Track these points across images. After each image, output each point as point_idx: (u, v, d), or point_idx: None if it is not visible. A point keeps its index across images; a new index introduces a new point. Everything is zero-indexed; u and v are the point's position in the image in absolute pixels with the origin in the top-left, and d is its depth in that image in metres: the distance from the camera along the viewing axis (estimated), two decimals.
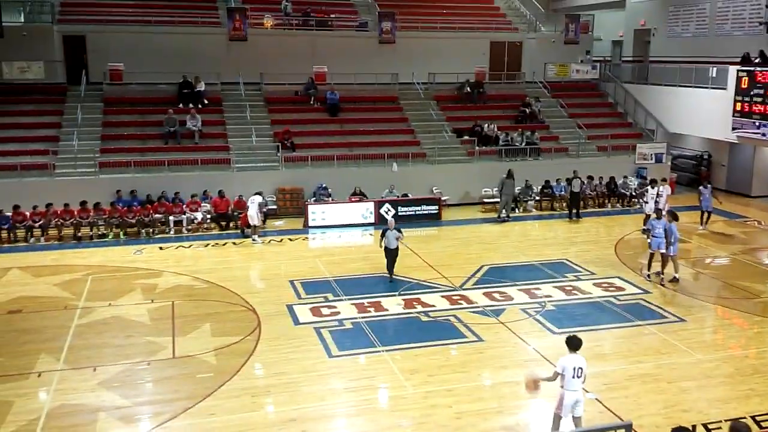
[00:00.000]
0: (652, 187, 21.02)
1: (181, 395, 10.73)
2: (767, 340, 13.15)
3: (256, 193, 20.33)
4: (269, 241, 20.12)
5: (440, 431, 9.67)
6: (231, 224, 21.28)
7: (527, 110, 27.86)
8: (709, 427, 9.73)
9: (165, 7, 27.62)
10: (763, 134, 22.80)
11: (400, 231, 16.34)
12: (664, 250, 15.86)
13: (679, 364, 11.95)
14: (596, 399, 10.43)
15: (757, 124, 23.00)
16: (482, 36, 30.03)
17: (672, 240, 15.81)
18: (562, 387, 8.87)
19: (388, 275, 16.36)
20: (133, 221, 20.48)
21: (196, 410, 10.28)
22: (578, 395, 8.84)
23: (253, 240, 19.84)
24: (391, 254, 16.32)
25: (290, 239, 20.41)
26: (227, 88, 26.40)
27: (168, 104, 24.70)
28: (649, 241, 16.46)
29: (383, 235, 16.26)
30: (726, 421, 9.50)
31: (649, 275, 16.50)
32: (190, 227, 20.96)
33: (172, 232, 20.76)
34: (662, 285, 15.96)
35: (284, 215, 22.63)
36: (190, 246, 19.67)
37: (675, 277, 16.18)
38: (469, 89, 28.35)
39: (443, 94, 28.39)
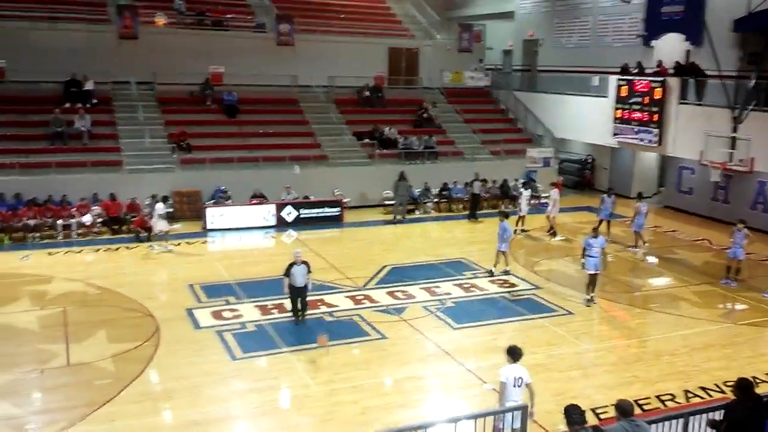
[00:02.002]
0: (525, 189, 22.16)
1: (78, 402, 10.32)
2: (648, 331, 14.24)
3: (163, 199, 20.04)
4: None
5: (345, 427, 9.82)
6: (124, 228, 20.55)
7: (424, 115, 28.58)
8: (597, 411, 10.42)
9: (50, 2, 26.10)
10: (641, 140, 24.58)
11: (308, 266, 13.71)
12: (598, 270, 15.35)
13: (567, 354, 12.73)
14: (493, 389, 10.90)
15: (635, 129, 24.75)
16: (380, 42, 30.51)
17: (506, 237, 16.99)
18: (505, 398, 8.66)
19: (294, 318, 13.86)
20: (19, 225, 19.33)
21: (94, 417, 9.93)
22: (518, 405, 8.58)
23: (161, 247, 19.19)
24: (299, 293, 13.61)
25: (188, 243, 19.91)
26: (118, 87, 25.42)
27: (54, 104, 23.45)
28: (583, 261, 15.44)
29: (288, 272, 13.53)
30: (611, 405, 10.17)
31: (591, 298, 15.46)
32: (80, 231, 20.03)
33: (60, 237, 19.75)
34: (589, 304, 15.40)
35: (181, 218, 22.02)
36: (80, 251, 18.81)
37: (506, 270, 17.29)
38: (368, 93, 28.75)
39: (343, 98, 28.61)
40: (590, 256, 15.14)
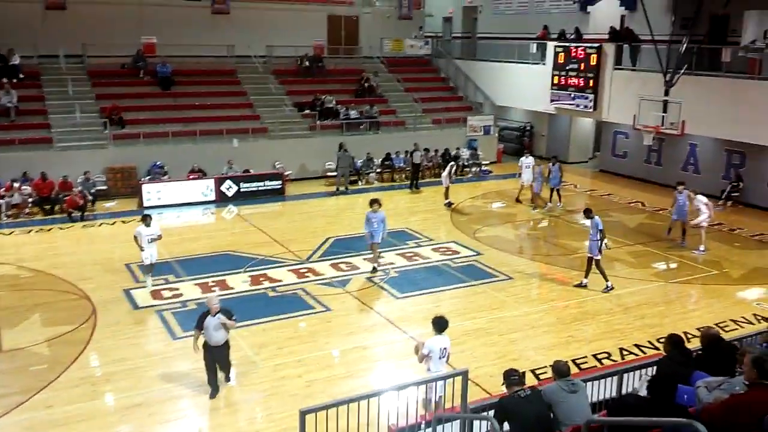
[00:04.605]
0: (455, 160, 22.02)
1: (13, 390, 10.01)
2: (585, 291, 14.53)
3: (145, 222, 13.97)
4: (100, 224, 19.01)
5: (290, 400, 9.80)
6: (56, 208, 19.86)
7: (366, 84, 28.37)
8: (537, 372, 10.70)
9: None
10: (578, 105, 25.02)
11: (231, 314, 9.98)
12: (590, 254, 14.28)
13: (508, 317, 13.01)
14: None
15: (572, 95, 25.17)
16: (319, 9, 30.00)
17: (382, 230, 15.00)
18: (428, 369, 8.63)
19: (211, 393, 10.00)
20: None
21: (30, 404, 9.68)
22: (443, 374, 8.38)
23: (150, 285, 14.11)
24: (216, 355, 9.91)
25: (123, 221, 19.33)
26: (46, 61, 24.33)
27: None
28: (598, 244, 14.20)
29: (199, 324, 9.82)
30: (550, 365, 10.48)
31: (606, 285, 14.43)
32: (9, 213, 19.25)
33: None
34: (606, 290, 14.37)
35: (115, 196, 21.44)
36: (11, 233, 18.10)
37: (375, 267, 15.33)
38: (308, 63, 28.32)
39: (282, 68, 28.12)
40: (593, 240, 14.17)
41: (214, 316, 9.74)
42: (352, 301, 13.77)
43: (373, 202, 15.33)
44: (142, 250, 13.66)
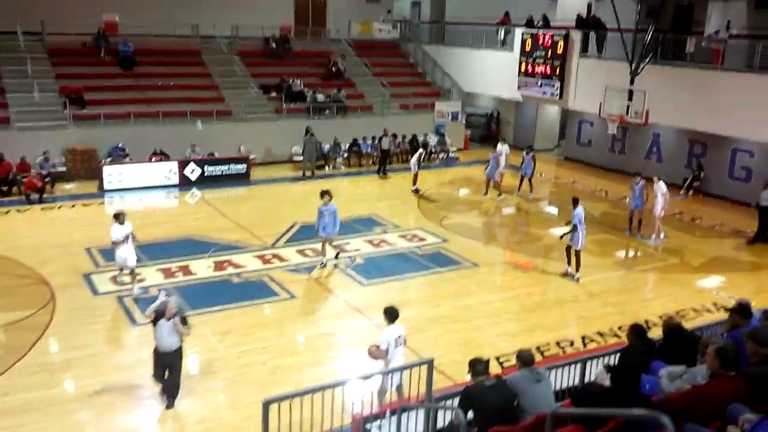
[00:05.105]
0: (423, 147, 21.86)
1: None
2: (549, 279, 14.69)
3: (119, 220, 12.89)
4: (59, 207, 18.54)
5: (255, 388, 9.71)
6: (14, 189, 19.29)
7: (333, 68, 28.09)
8: (500, 360, 10.77)
9: None
10: (544, 93, 25.12)
11: (185, 321, 9.22)
12: (570, 244, 14.36)
13: (472, 305, 13.06)
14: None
15: (539, 83, 25.25)
16: None
17: (334, 226, 14.51)
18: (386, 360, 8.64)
19: (167, 403, 9.29)
20: None
21: None
22: (400, 363, 8.62)
23: (134, 292, 12.88)
24: (167, 361, 9.14)
25: (84, 204, 18.90)
26: (3, 38, 23.50)
27: None
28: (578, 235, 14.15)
29: (155, 319, 9.08)
30: (514, 352, 10.56)
31: (569, 272, 14.60)
32: None
33: None
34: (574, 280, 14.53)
35: (75, 178, 20.91)
36: None
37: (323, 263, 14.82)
38: (274, 45, 27.91)
39: (248, 49, 27.67)
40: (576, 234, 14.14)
41: (169, 320, 8.97)
42: (317, 288, 13.69)
43: (324, 193, 14.48)
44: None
